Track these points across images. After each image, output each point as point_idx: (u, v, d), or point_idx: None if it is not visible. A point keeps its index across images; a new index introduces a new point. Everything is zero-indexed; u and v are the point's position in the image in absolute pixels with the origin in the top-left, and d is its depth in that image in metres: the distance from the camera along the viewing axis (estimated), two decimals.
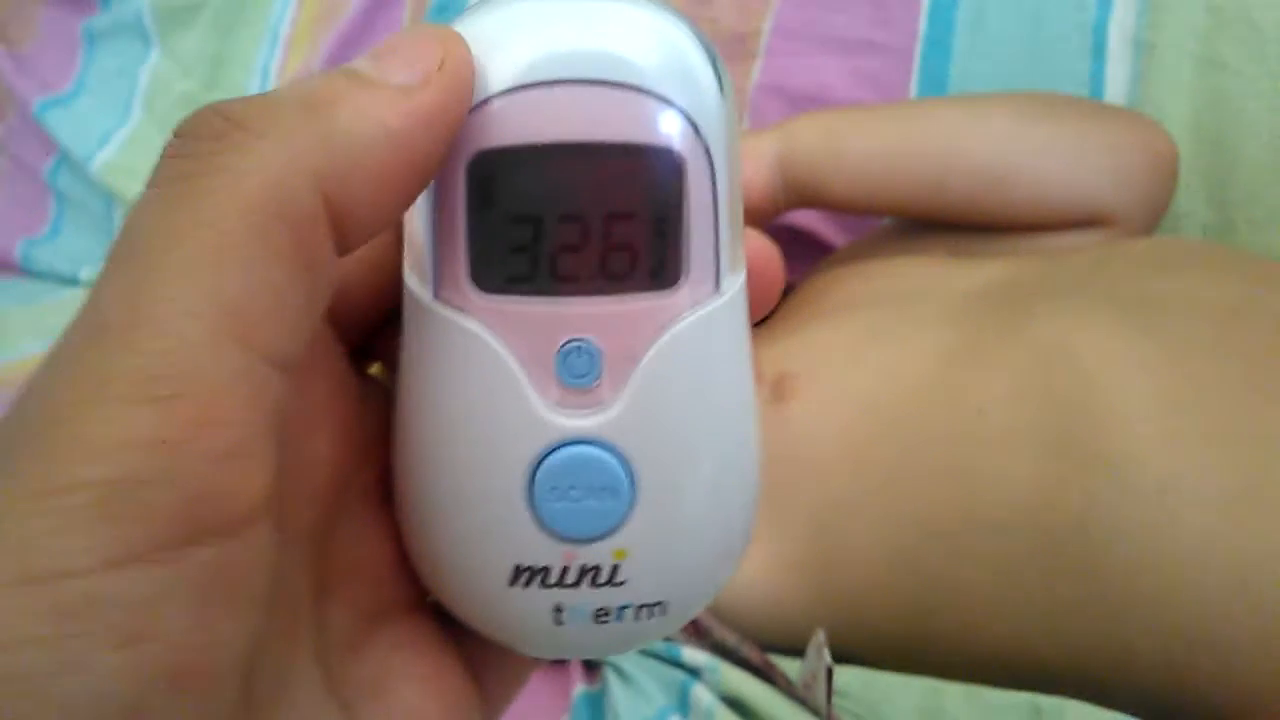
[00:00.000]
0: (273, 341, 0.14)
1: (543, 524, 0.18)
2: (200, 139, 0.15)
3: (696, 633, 0.46)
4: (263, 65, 0.90)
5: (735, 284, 0.18)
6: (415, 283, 0.18)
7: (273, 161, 0.14)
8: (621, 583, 0.18)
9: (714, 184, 0.17)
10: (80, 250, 0.96)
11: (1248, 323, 0.44)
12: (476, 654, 0.20)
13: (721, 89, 0.17)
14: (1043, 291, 0.49)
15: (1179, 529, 0.39)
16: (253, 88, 0.89)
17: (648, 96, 0.16)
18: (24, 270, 0.97)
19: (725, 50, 0.74)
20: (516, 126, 0.16)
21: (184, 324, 0.13)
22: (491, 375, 0.17)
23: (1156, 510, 0.39)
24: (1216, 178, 0.62)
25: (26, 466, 0.13)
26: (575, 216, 0.17)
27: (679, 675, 0.44)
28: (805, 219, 0.71)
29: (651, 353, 0.17)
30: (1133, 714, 0.38)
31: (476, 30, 0.17)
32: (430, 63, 0.16)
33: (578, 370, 0.17)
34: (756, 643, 0.45)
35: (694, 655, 0.44)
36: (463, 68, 0.16)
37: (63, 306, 0.91)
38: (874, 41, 0.69)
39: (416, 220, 0.17)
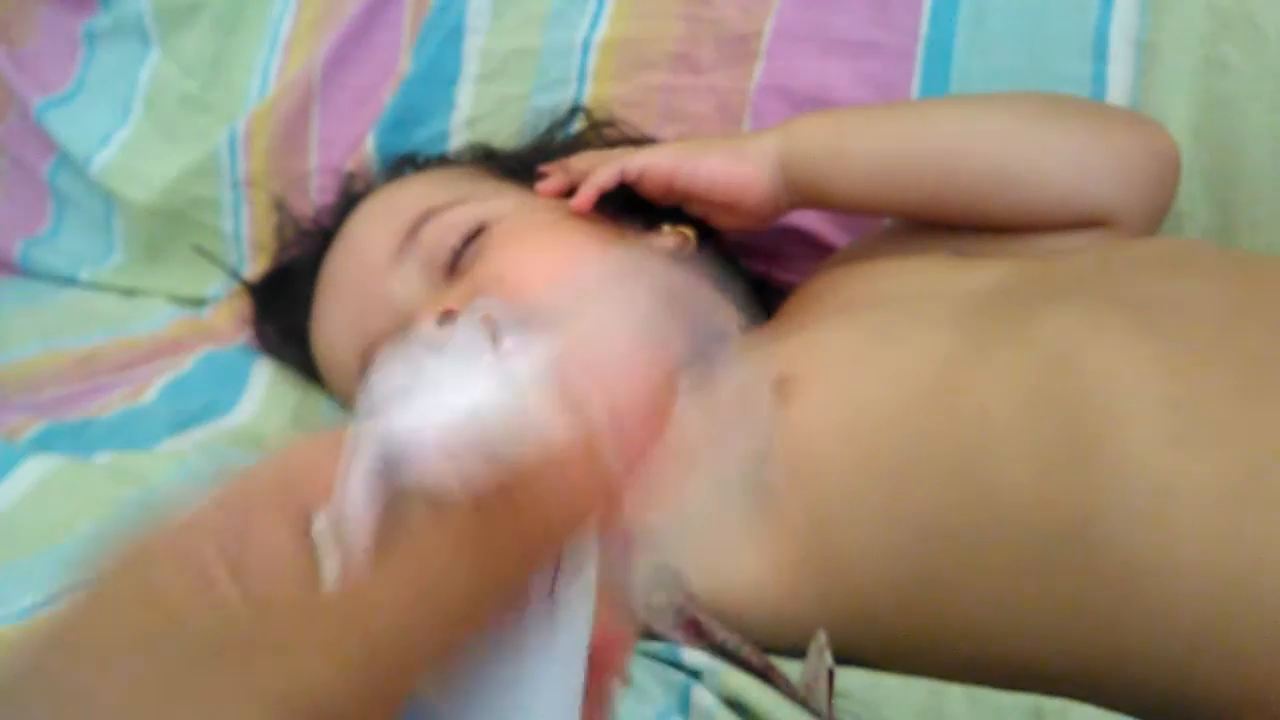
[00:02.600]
0: None
1: None
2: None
3: (697, 634, 0.45)
4: (263, 66, 0.90)
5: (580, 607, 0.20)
6: None
7: None
8: None
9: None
10: (79, 250, 0.96)
11: (1249, 325, 0.43)
12: None
13: None
14: (1044, 292, 0.49)
15: (1180, 531, 0.39)
16: (253, 88, 0.89)
17: None
18: (23, 270, 0.97)
19: (727, 51, 0.74)
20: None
21: None
22: None
23: (1156, 511, 0.39)
24: (1218, 179, 0.62)
25: None
26: None
27: (679, 677, 0.44)
28: (807, 219, 0.71)
29: None
30: (1135, 715, 0.38)
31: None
32: None
33: None
34: (757, 644, 0.45)
35: (694, 656, 0.44)
36: None
37: (62, 306, 0.91)
38: (875, 42, 0.69)
39: None
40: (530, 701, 0.19)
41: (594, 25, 0.77)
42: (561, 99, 0.78)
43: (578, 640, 0.20)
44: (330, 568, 0.19)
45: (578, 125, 0.77)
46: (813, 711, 0.41)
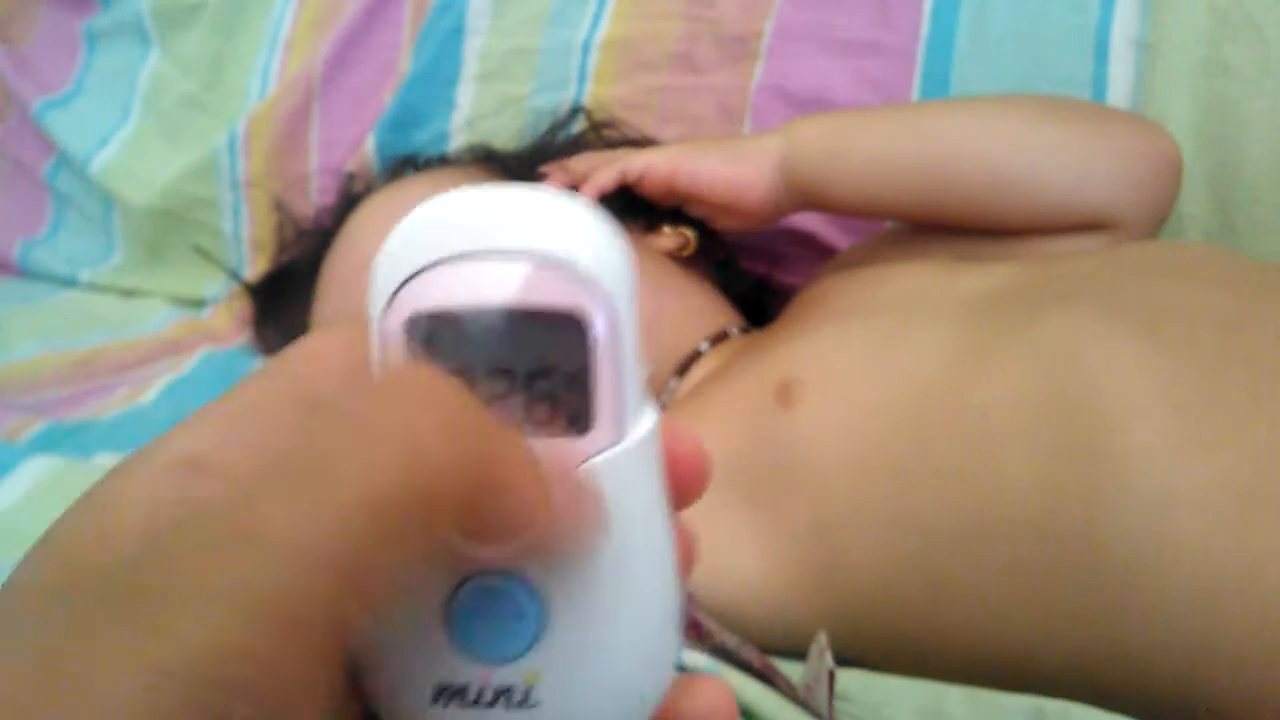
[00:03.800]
0: (372, 598, 0.15)
1: (461, 644, 0.19)
2: (410, 399, 0.16)
3: (698, 635, 0.45)
4: (263, 66, 0.90)
5: (639, 432, 0.20)
6: None
7: (449, 467, 0.16)
8: (534, 705, 0.19)
9: (620, 343, 0.19)
10: (79, 251, 0.96)
11: (1250, 328, 0.43)
12: None
13: (626, 259, 0.20)
14: (1046, 295, 0.49)
15: (1180, 534, 0.39)
16: (253, 89, 0.89)
17: (563, 266, 0.19)
18: (23, 271, 0.97)
19: (727, 52, 0.74)
20: (448, 291, 0.19)
21: (322, 567, 0.14)
22: None
23: (1158, 515, 0.39)
24: (1219, 180, 0.61)
25: (136, 634, 0.13)
26: (501, 371, 0.19)
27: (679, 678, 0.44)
28: (807, 221, 0.71)
29: None
30: (1136, 717, 0.38)
31: (423, 212, 0.20)
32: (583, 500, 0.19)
33: None
34: (757, 646, 0.45)
35: (694, 658, 0.44)
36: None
37: (61, 307, 0.91)
38: (876, 43, 0.69)
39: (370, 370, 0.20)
40: (626, 545, 0.20)
41: (594, 26, 0.77)
42: (561, 99, 0.78)
43: (655, 474, 0.20)
44: None
45: (578, 126, 0.77)
46: (813, 713, 0.41)
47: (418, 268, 0.19)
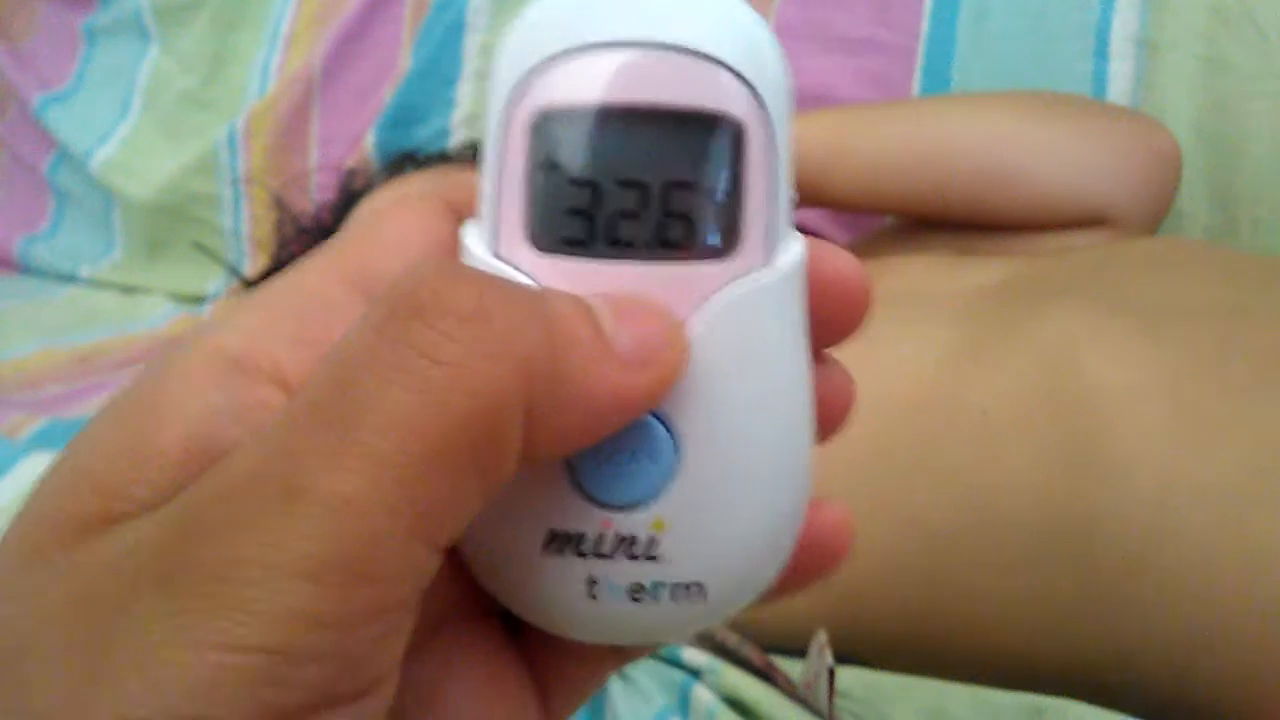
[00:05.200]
0: (447, 537, 0.15)
1: (581, 487, 0.17)
2: (444, 319, 0.14)
3: (697, 634, 0.45)
4: (263, 63, 0.89)
5: (788, 258, 0.17)
6: (473, 236, 0.17)
7: (507, 386, 0.14)
8: (657, 556, 0.17)
9: (773, 156, 0.17)
10: (79, 247, 0.96)
11: (1249, 324, 0.43)
12: (542, 664, 0.20)
13: (784, 65, 0.18)
14: (1046, 291, 0.49)
15: (1180, 530, 0.39)
16: (252, 85, 0.89)
17: (714, 64, 0.16)
18: (22, 267, 0.97)
19: None
20: (580, 86, 0.16)
21: (381, 518, 0.14)
22: None
23: (1158, 511, 0.39)
24: (1219, 178, 0.62)
25: (195, 611, 0.13)
26: (634, 182, 0.16)
27: (679, 676, 0.44)
28: (808, 218, 0.71)
29: (699, 318, 0.17)
30: (1136, 715, 0.38)
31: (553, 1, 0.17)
32: (660, 347, 0.16)
33: None
34: (757, 643, 0.45)
35: (694, 655, 0.44)
36: (682, 364, 0.16)
37: (61, 304, 0.91)
38: (876, 40, 0.69)
39: (481, 174, 0.17)
40: (767, 384, 0.18)
41: None
42: None
43: (801, 309, 0.18)
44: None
45: None
46: (813, 710, 0.41)
47: (546, 56, 0.16)
